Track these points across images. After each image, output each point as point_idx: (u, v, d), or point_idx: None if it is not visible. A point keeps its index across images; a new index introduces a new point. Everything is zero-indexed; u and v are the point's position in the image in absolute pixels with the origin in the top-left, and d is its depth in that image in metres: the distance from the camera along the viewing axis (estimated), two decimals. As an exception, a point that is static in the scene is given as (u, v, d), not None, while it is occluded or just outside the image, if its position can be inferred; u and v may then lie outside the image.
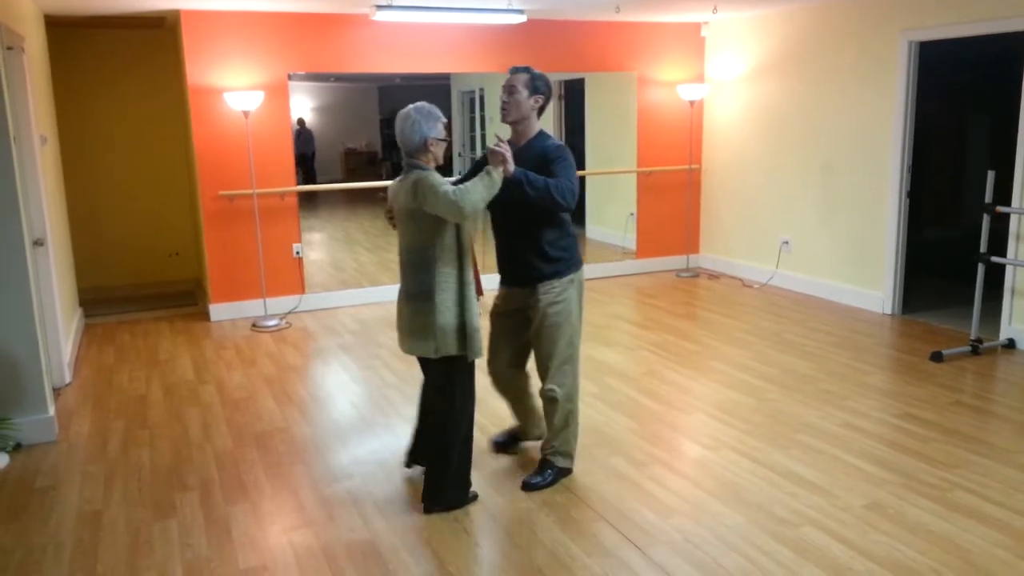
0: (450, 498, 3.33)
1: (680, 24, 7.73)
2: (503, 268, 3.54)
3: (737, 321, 6.16)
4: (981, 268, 5.27)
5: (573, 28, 7.31)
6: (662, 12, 6.92)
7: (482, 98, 10.88)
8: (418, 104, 3.19)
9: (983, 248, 5.24)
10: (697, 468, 3.67)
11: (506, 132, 3.53)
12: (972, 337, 5.26)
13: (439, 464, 3.31)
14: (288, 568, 2.93)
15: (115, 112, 7.46)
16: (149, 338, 6.07)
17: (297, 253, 6.74)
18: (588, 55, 7.45)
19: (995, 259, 5.23)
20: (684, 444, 3.95)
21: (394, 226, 3.35)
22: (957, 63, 6.95)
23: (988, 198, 5.14)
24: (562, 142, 3.44)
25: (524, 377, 3.74)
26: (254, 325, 6.32)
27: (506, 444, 3.90)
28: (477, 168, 3.52)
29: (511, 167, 3.16)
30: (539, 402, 3.61)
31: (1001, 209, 5.17)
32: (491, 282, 3.54)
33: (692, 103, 7.77)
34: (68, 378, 5.06)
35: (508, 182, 3.16)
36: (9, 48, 4.51)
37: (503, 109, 3.43)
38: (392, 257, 7.77)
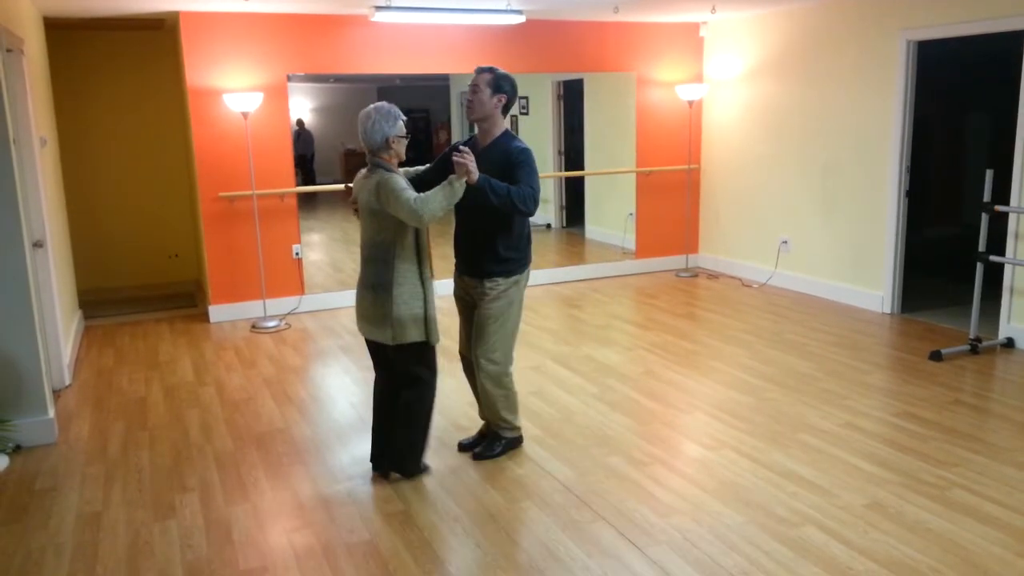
0: (407, 466, 3.62)
1: (679, 24, 7.74)
2: (459, 256, 3.74)
3: (736, 321, 6.17)
4: (980, 267, 5.28)
5: (572, 28, 7.31)
6: (661, 12, 6.92)
7: (481, 99, 10.87)
8: (378, 104, 3.39)
9: (982, 247, 5.25)
10: (697, 468, 3.68)
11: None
12: (971, 336, 5.26)
13: (403, 436, 3.58)
14: (288, 569, 2.94)
15: (114, 114, 7.47)
16: (149, 340, 6.08)
17: (296, 254, 6.75)
18: (587, 55, 7.45)
19: (994, 258, 5.23)
20: (684, 444, 3.95)
21: (358, 217, 3.54)
22: (956, 62, 6.96)
23: (987, 197, 5.15)
24: (526, 145, 3.58)
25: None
26: (254, 326, 6.32)
27: (473, 445, 3.93)
28: (442, 162, 3.69)
29: (475, 176, 3.28)
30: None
31: (1000, 208, 5.17)
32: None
33: (691, 103, 7.78)
34: (68, 380, 5.06)
35: (472, 189, 3.30)
36: (8, 50, 4.51)
37: (468, 107, 3.59)
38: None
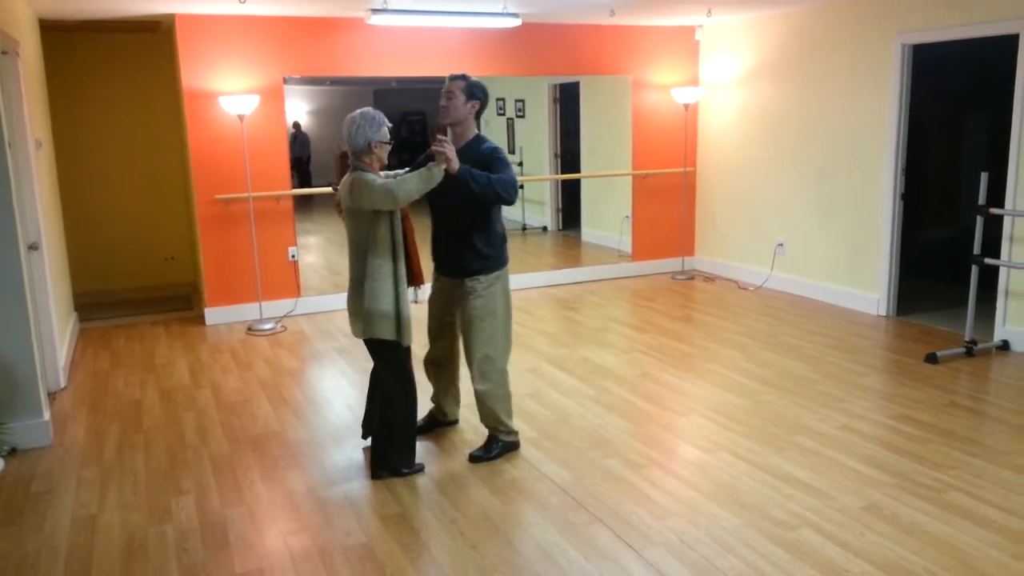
0: (394, 464, 3.66)
1: (674, 27, 7.75)
2: (437, 259, 3.85)
3: (732, 323, 6.17)
4: (975, 270, 5.29)
5: (568, 31, 7.32)
6: (657, 15, 6.94)
7: (477, 101, 10.87)
8: (364, 109, 3.51)
9: (977, 250, 5.26)
10: (693, 470, 3.68)
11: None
12: (966, 339, 5.27)
13: (383, 435, 3.68)
14: (285, 572, 2.93)
15: (110, 116, 7.46)
16: (144, 342, 6.06)
17: (292, 256, 6.74)
18: (583, 58, 7.46)
19: (989, 261, 5.25)
20: (680, 446, 3.95)
21: (342, 218, 3.65)
22: (951, 65, 6.98)
23: (982, 200, 5.16)
24: (496, 145, 3.73)
25: (456, 364, 4.08)
26: (250, 329, 6.31)
27: (423, 429, 4.09)
28: (423, 163, 3.77)
29: (455, 164, 3.39)
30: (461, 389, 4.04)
31: (995, 211, 5.19)
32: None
33: (687, 106, 7.79)
34: (63, 382, 5.05)
35: (453, 178, 3.42)
36: (4, 52, 4.51)
37: (442, 112, 3.70)
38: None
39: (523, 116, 10.27)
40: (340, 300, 6.88)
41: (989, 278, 5.52)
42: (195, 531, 3.24)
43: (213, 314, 6.52)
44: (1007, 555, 2.93)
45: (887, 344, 5.58)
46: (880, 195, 6.19)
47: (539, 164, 9.97)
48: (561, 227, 10.26)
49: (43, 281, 4.95)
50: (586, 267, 8.02)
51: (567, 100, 9.48)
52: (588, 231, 9.34)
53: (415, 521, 3.28)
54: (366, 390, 4.82)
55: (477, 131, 3.76)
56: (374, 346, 3.62)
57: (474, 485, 3.58)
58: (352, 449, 4.01)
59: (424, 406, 4.33)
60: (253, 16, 6.26)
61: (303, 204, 10.11)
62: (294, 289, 6.78)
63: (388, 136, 3.50)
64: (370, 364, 5.32)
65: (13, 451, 4.04)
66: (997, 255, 5.41)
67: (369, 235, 3.45)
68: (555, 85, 9.56)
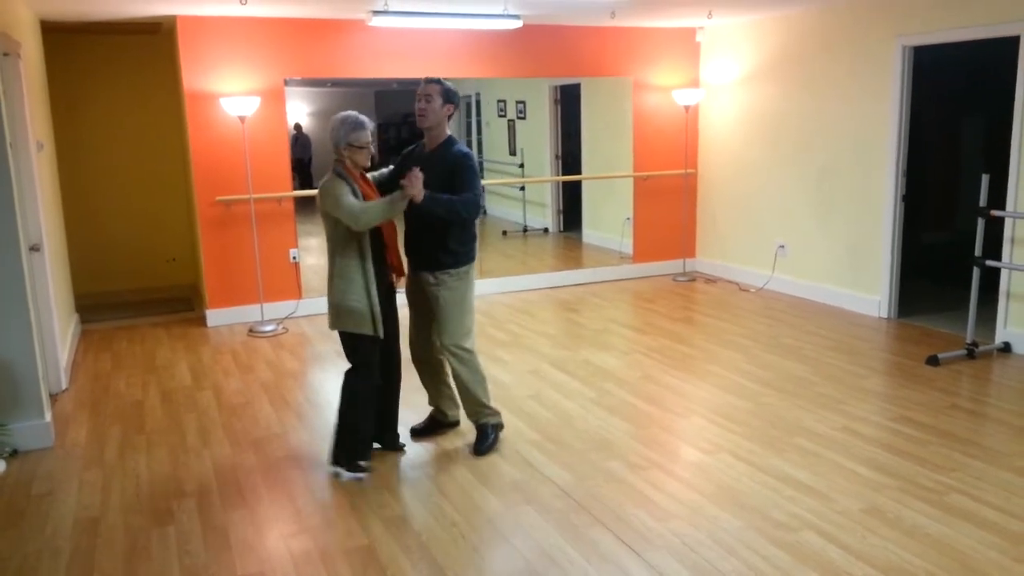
0: (340, 458, 3.71)
1: (675, 29, 7.75)
2: (410, 255, 3.93)
3: (734, 325, 6.17)
4: (976, 272, 5.29)
5: (569, 33, 7.33)
6: (657, 17, 6.94)
7: (478, 103, 10.89)
8: (348, 112, 3.61)
9: (978, 252, 5.26)
10: (694, 472, 3.68)
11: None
12: (968, 341, 5.27)
13: (340, 421, 3.74)
14: (286, 574, 2.93)
15: (111, 118, 7.46)
16: (146, 344, 6.06)
17: (294, 258, 6.74)
18: (584, 60, 7.47)
19: (990, 263, 5.24)
20: (681, 448, 3.95)
21: None
22: (952, 67, 6.98)
23: (983, 202, 5.16)
24: (469, 149, 3.87)
25: (440, 359, 4.08)
26: (251, 331, 6.31)
27: (426, 430, 4.17)
28: (399, 169, 3.93)
29: (419, 197, 3.52)
30: (454, 385, 4.06)
31: (996, 213, 5.19)
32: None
33: (687, 108, 7.79)
34: (64, 384, 5.05)
35: (418, 205, 3.56)
36: (5, 54, 4.52)
37: (420, 116, 3.82)
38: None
39: (524, 118, 10.26)
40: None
41: (990, 280, 5.52)
42: (197, 533, 3.24)
43: (214, 316, 6.52)
44: (1008, 557, 2.93)
45: (888, 346, 5.58)
46: (881, 197, 6.19)
47: (540, 166, 9.96)
48: (562, 229, 10.25)
49: (44, 282, 4.95)
50: (587, 269, 8.02)
51: (568, 102, 9.47)
52: (589, 233, 9.34)
53: (416, 523, 3.28)
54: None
55: (448, 133, 3.90)
56: (344, 338, 3.70)
57: (475, 487, 3.58)
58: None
59: (421, 408, 4.34)
60: (254, 18, 6.26)
61: (304, 206, 10.09)
62: (295, 291, 6.78)
63: (364, 140, 3.58)
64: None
65: (15, 453, 4.04)
66: (998, 257, 5.41)
67: (336, 235, 3.58)
68: (556, 87, 9.55)
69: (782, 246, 7.22)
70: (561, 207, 10.27)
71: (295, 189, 6.80)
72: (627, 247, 8.16)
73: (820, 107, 6.66)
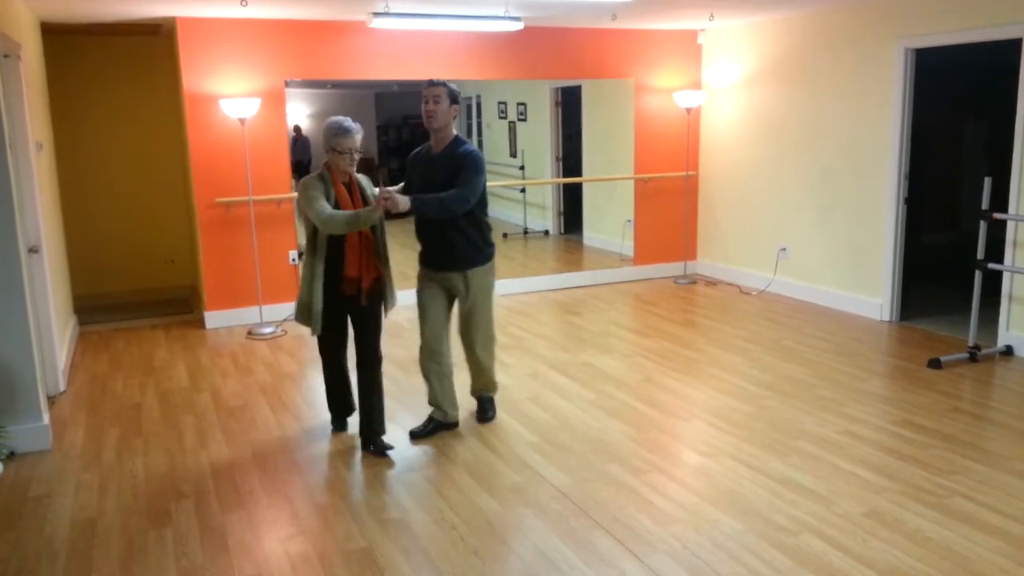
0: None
1: (677, 31, 7.75)
2: (434, 254, 4.03)
3: (735, 328, 6.16)
4: (978, 275, 5.27)
5: (570, 35, 7.32)
6: (659, 19, 6.93)
7: (479, 105, 10.89)
8: (337, 117, 3.71)
9: (980, 255, 5.25)
10: (695, 475, 3.66)
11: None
12: (970, 344, 5.25)
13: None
14: (283, 577, 2.92)
15: (111, 119, 7.46)
16: (144, 345, 6.05)
17: (293, 260, 6.73)
18: (585, 62, 7.46)
19: (992, 266, 5.23)
20: (682, 451, 3.94)
21: None
22: (954, 70, 6.97)
23: (985, 204, 5.15)
24: (475, 148, 3.97)
25: (450, 357, 4.18)
26: (250, 332, 6.30)
27: (425, 433, 4.17)
28: (410, 168, 4.09)
29: (403, 207, 3.65)
30: (452, 383, 4.20)
31: (998, 216, 5.17)
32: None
33: (689, 110, 7.78)
34: (62, 386, 5.03)
35: (408, 212, 3.73)
36: (5, 55, 4.51)
37: (428, 117, 3.90)
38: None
39: (525, 120, 10.26)
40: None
41: (993, 283, 5.51)
42: (194, 535, 3.23)
43: (213, 318, 6.51)
44: (1011, 561, 2.91)
45: (890, 349, 5.56)
46: (882, 199, 6.18)
47: (541, 168, 9.96)
48: (563, 231, 10.24)
49: (43, 284, 4.94)
50: (588, 271, 8.01)
51: (569, 104, 9.47)
52: (590, 235, 9.33)
53: (415, 526, 3.26)
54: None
55: (455, 133, 3.98)
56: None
57: (474, 490, 3.56)
58: (352, 454, 3.99)
59: (420, 409, 4.33)
60: (254, 19, 6.25)
61: (304, 207, 10.10)
62: (294, 293, 6.76)
63: (345, 146, 3.67)
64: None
65: (12, 455, 4.02)
66: (1000, 260, 5.39)
67: (305, 231, 3.77)
68: (557, 89, 9.55)
69: (783, 249, 7.21)
70: (562, 209, 10.27)
71: (294, 191, 6.79)
72: (628, 249, 8.14)
73: (821, 109, 6.65)
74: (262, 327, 6.37)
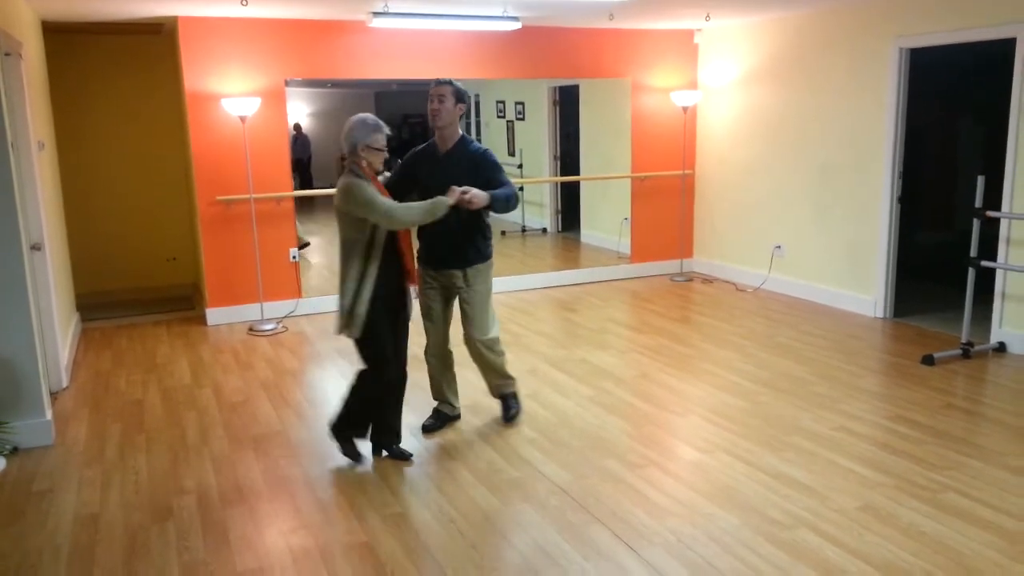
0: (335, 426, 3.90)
1: (673, 31, 7.78)
2: (438, 253, 4.05)
3: (730, 325, 6.20)
4: (972, 272, 5.31)
5: (567, 35, 7.35)
6: (655, 19, 6.97)
7: (477, 104, 10.92)
8: (366, 115, 3.64)
9: (974, 252, 5.29)
10: (691, 470, 3.70)
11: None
12: (963, 340, 5.30)
13: (345, 411, 3.88)
14: (285, 571, 2.95)
15: (113, 118, 7.48)
16: (146, 342, 6.08)
17: (294, 257, 6.76)
18: (582, 61, 7.49)
19: (985, 263, 5.27)
20: (678, 447, 3.98)
21: None
22: (949, 69, 7.01)
23: (979, 202, 5.19)
24: (485, 147, 4.03)
25: (451, 352, 4.27)
26: (251, 329, 6.34)
27: (435, 426, 4.26)
28: (403, 170, 4.07)
29: (485, 200, 3.73)
30: (454, 377, 4.32)
31: (991, 214, 5.22)
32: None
33: (685, 109, 7.82)
34: (65, 382, 5.07)
35: (487, 207, 3.79)
36: (7, 54, 4.54)
37: (434, 115, 3.94)
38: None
39: (523, 119, 10.29)
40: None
41: (986, 280, 5.55)
42: (196, 530, 3.26)
43: (214, 314, 6.54)
44: (1004, 556, 2.95)
45: (884, 346, 5.61)
46: (877, 197, 6.22)
47: (538, 166, 9.99)
48: (560, 229, 10.28)
49: (45, 281, 4.97)
50: (585, 269, 8.05)
51: (566, 103, 9.50)
52: (587, 233, 9.37)
53: (415, 520, 3.30)
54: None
55: (461, 132, 4.03)
56: (356, 343, 3.75)
57: (473, 485, 3.60)
58: (352, 449, 4.03)
59: (420, 406, 4.36)
60: (255, 19, 6.28)
61: (304, 205, 10.13)
62: (295, 290, 6.80)
63: (381, 143, 3.61)
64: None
65: (15, 450, 4.06)
66: (994, 257, 5.43)
67: (350, 236, 3.60)
68: (555, 88, 9.59)
69: (779, 246, 7.25)
70: (559, 207, 10.31)
71: (295, 189, 6.82)
72: (625, 247, 8.18)
73: (817, 109, 6.69)
74: (263, 323, 6.41)
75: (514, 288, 7.60)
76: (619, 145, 8.08)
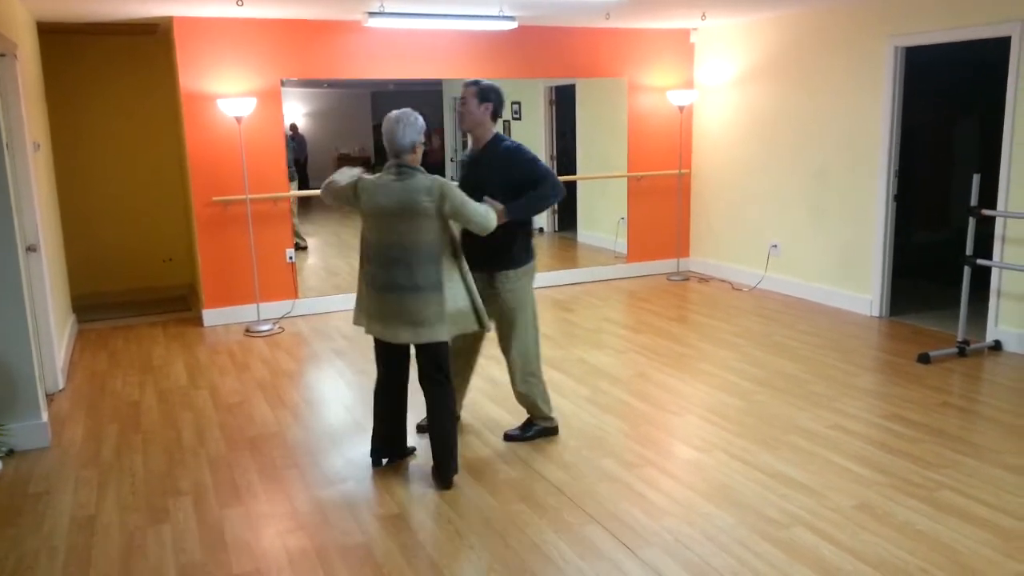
0: (454, 468, 3.62)
1: (669, 30, 7.79)
2: (478, 255, 3.83)
3: (727, 324, 6.21)
4: (967, 270, 5.33)
5: (564, 34, 7.36)
6: (652, 18, 6.97)
7: (474, 103, 10.88)
8: (405, 110, 3.47)
9: (969, 251, 5.30)
10: (688, 470, 3.71)
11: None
12: (959, 339, 5.31)
13: (444, 440, 3.59)
14: (282, 572, 2.95)
15: (108, 118, 7.47)
16: (142, 343, 6.08)
17: (290, 258, 6.76)
18: (578, 61, 7.50)
19: (981, 262, 5.28)
20: (675, 446, 3.98)
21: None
22: (945, 67, 7.02)
23: (974, 201, 5.20)
24: (517, 143, 3.87)
25: (477, 354, 4.19)
26: (247, 330, 6.33)
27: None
28: (463, 174, 3.95)
29: (501, 218, 3.60)
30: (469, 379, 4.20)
31: (986, 212, 5.23)
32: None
33: (681, 108, 7.82)
34: (61, 384, 5.06)
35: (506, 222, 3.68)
36: (2, 55, 4.53)
37: (459, 119, 3.92)
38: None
39: (519, 118, 10.29)
40: (337, 301, 6.93)
41: (981, 279, 5.56)
42: (193, 531, 3.26)
43: (211, 315, 6.54)
44: (999, 553, 2.96)
45: (880, 344, 5.62)
46: (873, 196, 6.23)
47: (535, 166, 9.99)
48: (557, 229, 10.28)
49: (41, 283, 4.96)
50: (582, 268, 8.05)
51: (563, 102, 9.50)
52: (584, 233, 9.37)
53: (412, 521, 3.30)
54: (364, 392, 4.85)
55: (496, 131, 3.91)
56: (429, 349, 3.51)
57: (471, 485, 3.60)
58: (350, 449, 4.03)
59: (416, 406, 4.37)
60: (251, 19, 6.28)
61: (301, 206, 10.13)
62: (292, 291, 6.80)
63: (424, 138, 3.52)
64: (366, 366, 5.35)
65: (11, 452, 4.05)
66: (989, 256, 5.45)
67: (441, 239, 3.42)
68: (551, 87, 9.59)
69: (775, 245, 7.26)
70: (556, 207, 10.30)
71: (291, 190, 6.81)
72: (621, 247, 8.19)
73: (813, 108, 6.70)
74: (259, 324, 6.40)
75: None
76: (615, 145, 8.09)
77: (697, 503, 3.38)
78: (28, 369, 4.11)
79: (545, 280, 7.78)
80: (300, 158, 14.74)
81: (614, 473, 3.68)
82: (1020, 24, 5.12)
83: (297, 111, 15.52)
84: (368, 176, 3.52)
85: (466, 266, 3.57)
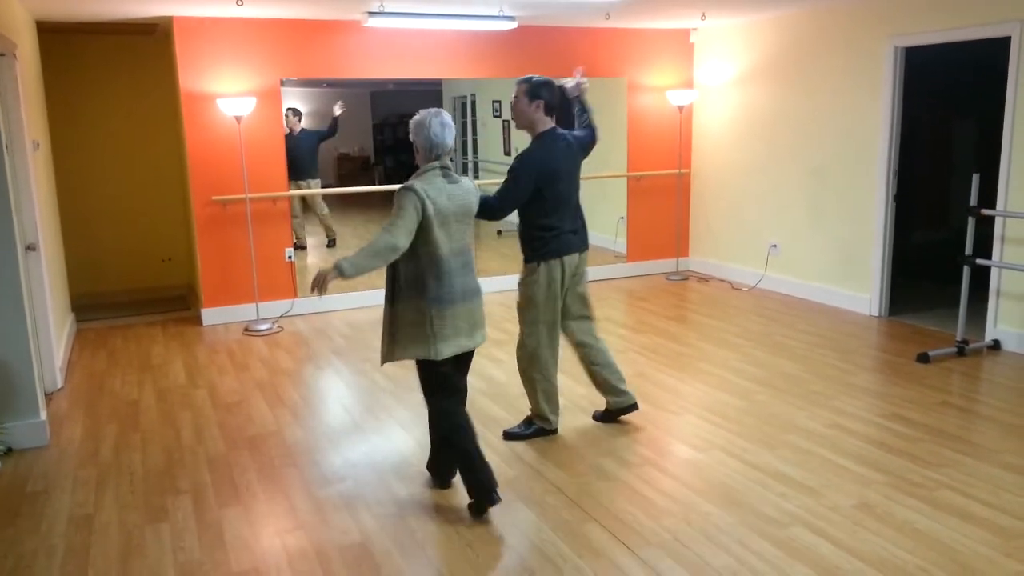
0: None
1: (669, 30, 7.79)
2: (568, 237, 3.99)
3: (726, 323, 6.21)
4: (967, 270, 5.33)
5: (563, 34, 7.36)
6: (651, 18, 6.97)
7: (473, 103, 10.90)
8: (439, 110, 3.32)
9: (968, 250, 5.30)
10: (687, 469, 3.71)
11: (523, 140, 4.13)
12: (958, 338, 5.31)
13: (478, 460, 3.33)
14: (281, 571, 2.95)
15: (107, 118, 7.47)
16: (141, 343, 6.07)
17: (289, 257, 6.76)
18: (578, 61, 7.49)
19: (980, 261, 5.28)
20: (674, 445, 3.98)
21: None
22: (945, 67, 7.02)
23: (973, 201, 5.20)
24: (527, 151, 3.95)
25: (589, 345, 4.13)
26: (246, 329, 6.33)
27: (603, 419, 4.28)
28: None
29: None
30: (603, 370, 4.13)
31: (986, 212, 5.23)
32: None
33: (681, 108, 7.82)
34: (60, 383, 5.06)
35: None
36: (1, 55, 4.53)
37: (513, 119, 4.05)
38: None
39: (519, 118, 10.28)
40: (337, 301, 6.93)
41: (981, 278, 5.56)
42: (191, 530, 3.26)
43: (210, 315, 6.53)
44: (998, 552, 2.96)
45: (879, 344, 5.62)
46: (872, 196, 6.23)
47: (535, 166, 9.99)
48: (557, 229, 10.27)
49: (40, 282, 4.96)
50: (581, 268, 8.04)
51: (563, 102, 9.50)
52: (584, 232, 9.36)
53: (411, 520, 3.30)
54: (363, 391, 4.85)
55: (552, 125, 3.98)
56: (468, 357, 3.45)
57: (469, 484, 3.60)
58: (348, 449, 4.03)
59: (418, 405, 4.36)
60: (250, 19, 6.28)
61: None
62: (291, 290, 6.80)
63: None
64: (364, 366, 5.35)
65: (10, 451, 4.05)
66: (988, 255, 5.45)
67: (471, 242, 3.40)
68: (551, 87, 9.59)
69: (774, 245, 7.26)
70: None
71: (290, 189, 6.81)
72: (621, 246, 8.19)
73: (813, 108, 6.70)
74: (259, 324, 6.40)
75: (510, 287, 7.59)
76: (615, 144, 8.08)
77: (696, 502, 3.38)
78: (27, 368, 4.10)
79: (544, 280, 7.76)
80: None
81: (613, 472, 3.68)
82: (1020, 24, 5.12)
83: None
84: (419, 185, 3.17)
85: None
